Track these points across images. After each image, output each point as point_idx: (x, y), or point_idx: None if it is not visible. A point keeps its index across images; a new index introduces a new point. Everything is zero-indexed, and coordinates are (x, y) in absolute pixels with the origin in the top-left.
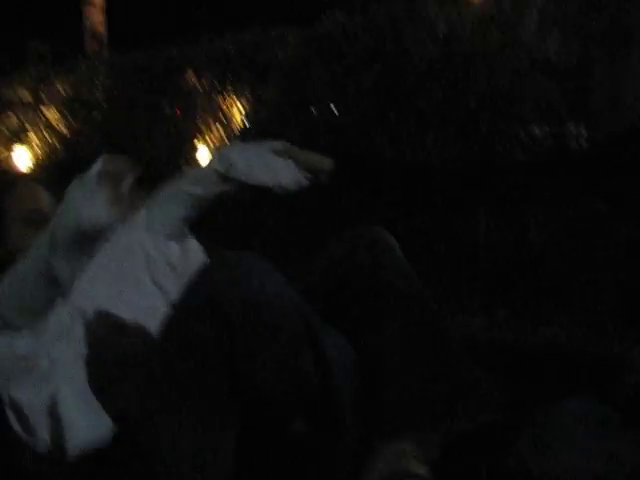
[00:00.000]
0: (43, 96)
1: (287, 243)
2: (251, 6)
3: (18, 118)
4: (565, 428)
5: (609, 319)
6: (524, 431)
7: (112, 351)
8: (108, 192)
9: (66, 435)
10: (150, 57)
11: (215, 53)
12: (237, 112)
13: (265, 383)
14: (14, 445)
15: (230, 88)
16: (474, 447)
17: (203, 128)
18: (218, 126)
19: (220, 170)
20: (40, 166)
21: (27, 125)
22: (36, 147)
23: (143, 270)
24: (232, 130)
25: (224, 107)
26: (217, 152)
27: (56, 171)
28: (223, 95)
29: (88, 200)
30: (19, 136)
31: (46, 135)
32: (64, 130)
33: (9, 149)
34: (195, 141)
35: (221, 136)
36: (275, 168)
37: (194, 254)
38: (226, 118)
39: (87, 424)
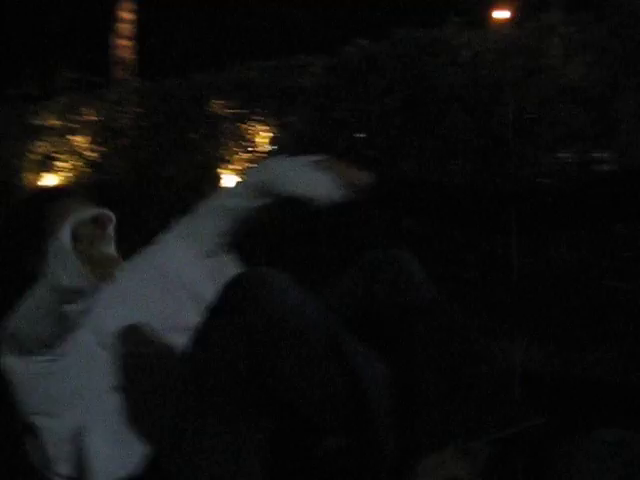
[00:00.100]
0: (71, 123)
1: (310, 261)
2: (276, 35)
3: (47, 144)
4: (599, 459)
5: None
6: (557, 460)
7: (142, 372)
8: (80, 257)
9: (92, 467)
10: (176, 84)
11: (240, 80)
12: (261, 138)
13: (291, 395)
14: (29, 476)
15: (255, 115)
16: (515, 454)
17: (228, 154)
18: (243, 152)
19: (260, 182)
20: None
21: (56, 151)
22: (64, 172)
23: (179, 288)
24: (256, 156)
25: (249, 133)
26: (257, 165)
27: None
28: (248, 122)
29: (63, 267)
30: (47, 162)
31: (74, 161)
32: (92, 155)
33: (38, 175)
34: (220, 167)
35: (245, 162)
36: (315, 181)
37: (230, 270)
38: (251, 144)
39: (116, 454)
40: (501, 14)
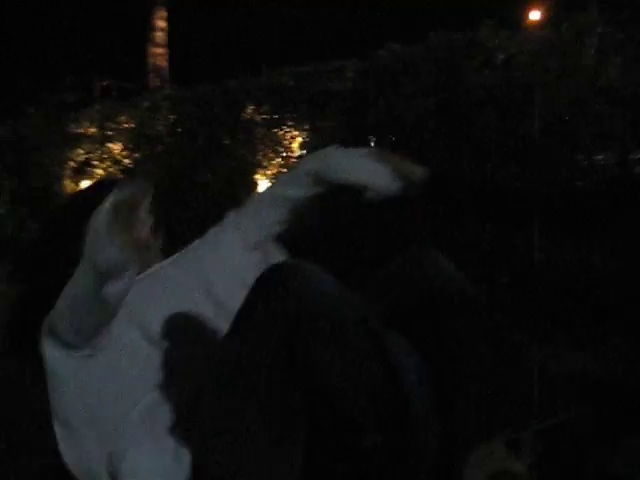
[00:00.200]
0: (108, 130)
1: (355, 253)
2: (308, 40)
3: (85, 151)
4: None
5: None
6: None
7: (189, 366)
8: (121, 230)
9: None
10: (210, 91)
11: (273, 86)
12: (295, 143)
13: (327, 385)
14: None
15: (288, 120)
16: (567, 443)
17: (262, 159)
18: (276, 157)
19: (315, 171)
20: None
21: (93, 158)
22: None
23: (226, 278)
24: (290, 161)
25: (283, 138)
26: (312, 154)
27: None
28: (282, 127)
29: (102, 242)
30: (85, 169)
31: (111, 167)
32: (127, 162)
33: (77, 182)
34: (254, 172)
35: (279, 167)
36: (373, 170)
37: (276, 260)
38: (284, 149)
39: (163, 467)
40: (535, 15)
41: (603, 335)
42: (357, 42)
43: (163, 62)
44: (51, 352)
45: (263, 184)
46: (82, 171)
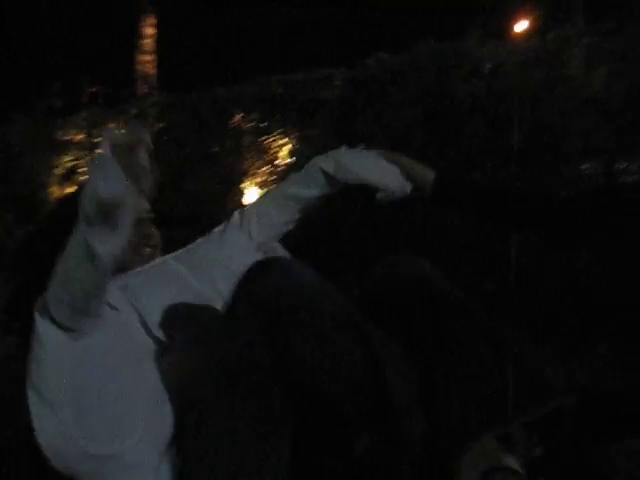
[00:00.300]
0: (95, 138)
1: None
2: (297, 48)
3: (71, 158)
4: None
5: None
6: (599, 452)
7: (184, 354)
8: (121, 162)
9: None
10: (198, 98)
11: (262, 94)
12: (284, 151)
13: (309, 379)
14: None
15: (277, 128)
16: (567, 443)
17: (250, 167)
18: (265, 165)
19: (327, 170)
20: None
21: (80, 165)
22: None
23: (229, 275)
24: (279, 169)
25: (271, 147)
26: (323, 154)
27: None
28: (270, 135)
29: (102, 172)
30: (72, 177)
31: None
32: None
33: (63, 189)
34: (242, 180)
35: (268, 175)
36: (383, 170)
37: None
38: (273, 157)
39: (151, 465)
40: (522, 25)
41: (591, 342)
42: (345, 51)
43: (151, 69)
44: (44, 327)
45: (251, 192)
46: (69, 178)
